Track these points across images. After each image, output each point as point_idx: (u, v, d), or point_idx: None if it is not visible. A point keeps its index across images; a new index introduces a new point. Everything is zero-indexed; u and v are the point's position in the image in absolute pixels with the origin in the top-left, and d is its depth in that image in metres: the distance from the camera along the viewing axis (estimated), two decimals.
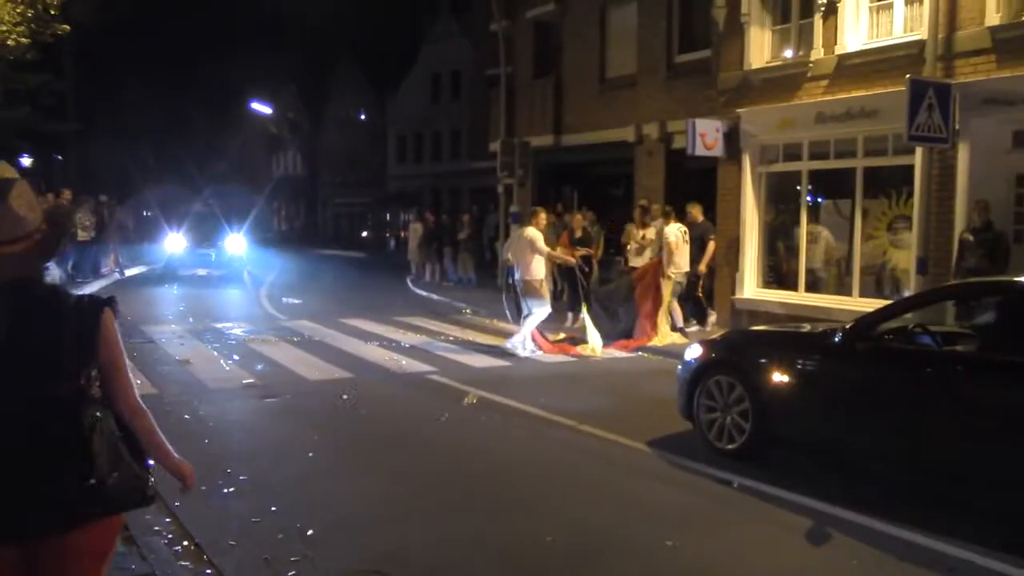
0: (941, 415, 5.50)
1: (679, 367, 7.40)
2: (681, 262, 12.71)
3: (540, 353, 11.56)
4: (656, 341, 12.23)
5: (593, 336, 11.78)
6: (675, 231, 12.71)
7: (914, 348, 6.04)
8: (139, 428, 2.79)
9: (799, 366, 6.32)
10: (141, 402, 2.83)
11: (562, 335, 12.67)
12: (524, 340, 11.59)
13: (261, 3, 52.79)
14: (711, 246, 13.44)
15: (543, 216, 12.31)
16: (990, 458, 5.23)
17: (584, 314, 12.11)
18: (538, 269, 11.53)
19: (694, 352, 7.25)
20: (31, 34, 14.91)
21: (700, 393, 6.92)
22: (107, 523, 2.72)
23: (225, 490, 5.84)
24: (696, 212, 13.69)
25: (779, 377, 6.39)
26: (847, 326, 6.21)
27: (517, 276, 11.67)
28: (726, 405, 6.72)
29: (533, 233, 11.58)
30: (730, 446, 6.66)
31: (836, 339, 6.15)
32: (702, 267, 13.36)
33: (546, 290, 11.83)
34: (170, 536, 5.03)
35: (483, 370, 10.51)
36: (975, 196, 10.52)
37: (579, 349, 11.81)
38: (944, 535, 5.11)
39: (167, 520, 5.28)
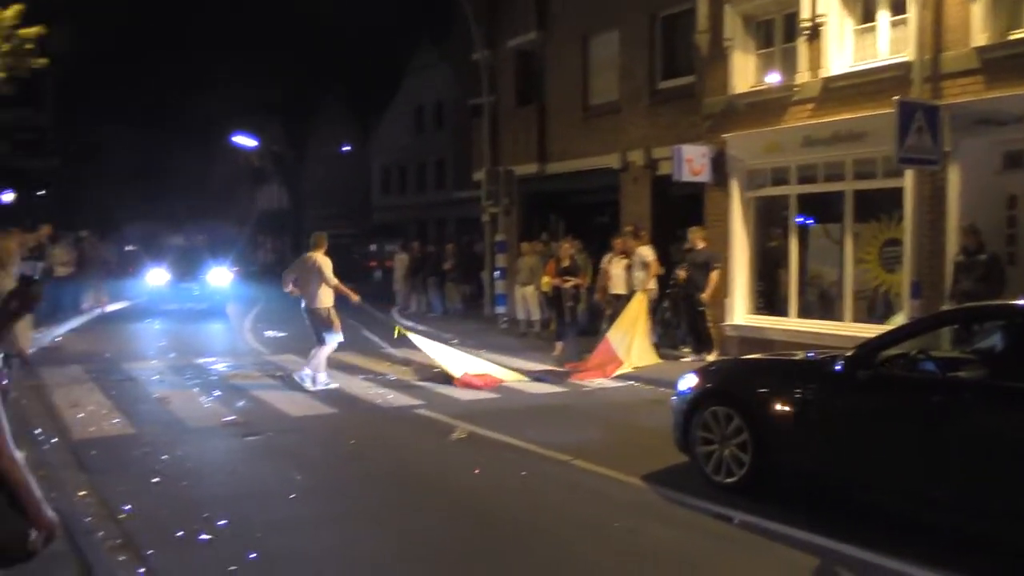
0: (949, 445, 5.28)
1: (673, 398, 7.17)
2: (653, 285, 13.26)
3: (334, 385, 10.94)
4: (635, 361, 12.20)
5: (451, 363, 11.56)
6: (651, 251, 13.25)
7: (918, 376, 5.82)
8: (11, 480, 2.68)
9: (799, 396, 6.07)
10: (14, 451, 2.72)
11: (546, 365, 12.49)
12: (315, 373, 10.93)
13: (244, 37, 52.81)
14: (715, 274, 12.97)
15: (324, 241, 11.37)
16: (1000, 489, 5.01)
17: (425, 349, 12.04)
18: (326, 297, 10.97)
19: (689, 382, 7.01)
20: (6, 68, 14.72)
21: (696, 425, 6.68)
22: None
23: (202, 536, 5.55)
24: (696, 238, 13.25)
25: (779, 407, 6.17)
26: (847, 354, 6.00)
27: (304, 305, 11.11)
28: (724, 437, 6.48)
29: (322, 260, 11.01)
30: (729, 480, 6.41)
31: (837, 367, 5.95)
32: (707, 296, 12.95)
33: (336, 318, 11.11)
34: None
35: (471, 403, 10.24)
36: (966, 218, 10.42)
37: (503, 376, 11.58)
38: (953, 571, 4.88)
39: (140, 570, 5.00)
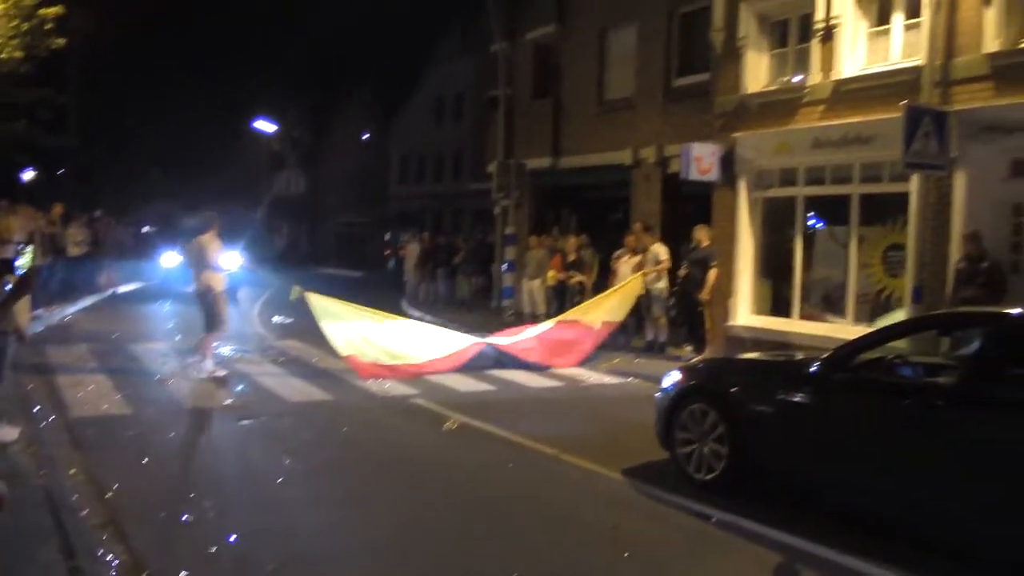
0: (918, 449, 5.31)
1: (657, 394, 7.22)
2: (663, 280, 13.43)
3: (222, 373, 10.37)
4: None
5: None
6: (665, 248, 13.31)
7: (892, 380, 5.87)
8: None
9: (777, 396, 6.13)
10: None
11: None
12: (203, 361, 10.45)
13: (269, 21, 52.99)
14: (712, 273, 12.95)
15: (215, 223, 10.74)
16: (969, 494, 5.02)
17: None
18: (213, 282, 10.46)
19: (673, 379, 7.07)
20: (26, 47, 14.89)
21: (677, 421, 6.74)
22: None
23: (185, 516, 5.63)
24: (702, 235, 13.23)
25: (756, 407, 6.24)
26: (824, 356, 6.03)
27: (192, 288, 10.67)
28: (703, 434, 6.54)
29: (208, 243, 10.49)
30: (707, 476, 6.46)
31: (813, 369, 5.99)
32: (705, 294, 12.95)
33: (224, 305, 10.59)
34: (117, 562, 4.81)
35: (467, 394, 10.30)
36: (970, 225, 10.36)
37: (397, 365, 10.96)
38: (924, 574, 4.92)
39: (121, 548, 5.07)
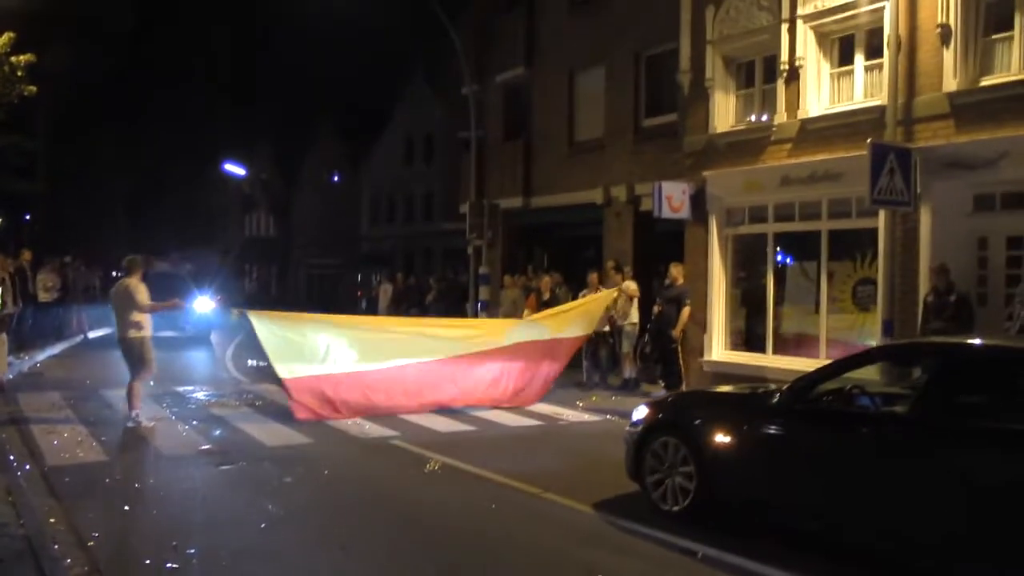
0: (874, 476, 5.49)
1: (627, 428, 7.38)
2: (634, 315, 13.53)
3: (150, 424, 10.00)
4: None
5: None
6: (636, 286, 13.50)
7: (849, 409, 6.09)
8: None
9: (740, 428, 6.34)
10: None
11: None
12: (133, 411, 10.07)
13: (236, 64, 53.24)
14: (685, 311, 13.14)
15: (138, 266, 10.45)
16: (925, 520, 5.22)
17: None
18: (138, 327, 10.15)
19: (641, 413, 7.27)
20: None
21: (646, 454, 6.92)
22: None
23: (169, 564, 5.57)
24: (676, 273, 13.43)
25: (721, 438, 6.43)
26: (784, 387, 6.30)
27: (117, 334, 10.34)
28: (671, 466, 6.71)
29: (134, 286, 10.19)
30: (675, 508, 6.63)
31: (774, 400, 6.22)
32: (677, 332, 13.12)
33: (149, 350, 10.30)
34: None
35: (447, 434, 10.30)
36: (937, 259, 10.60)
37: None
38: None
39: None
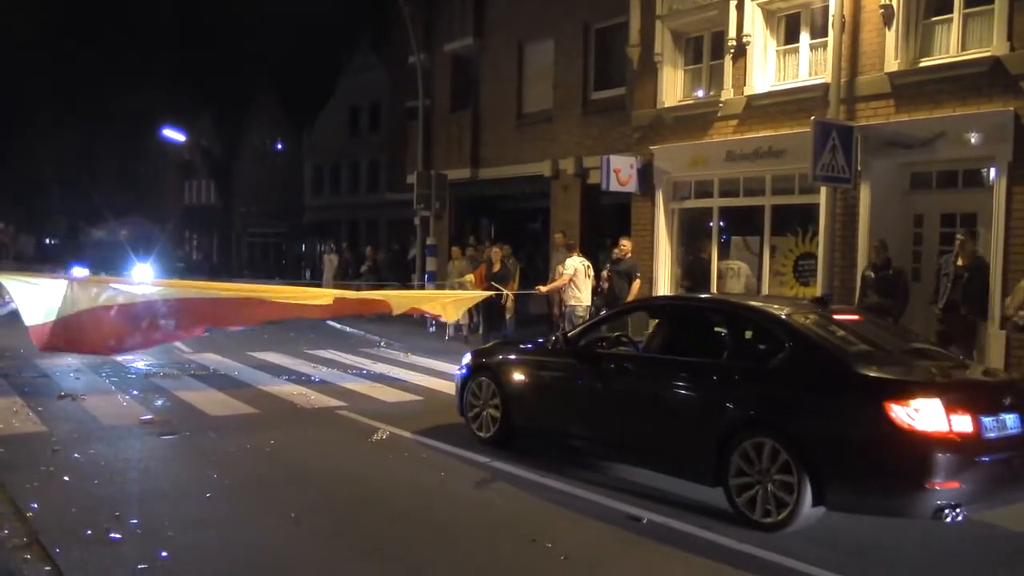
0: (611, 399, 7.05)
1: (455, 372, 8.78)
2: (583, 295, 13.01)
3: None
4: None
5: None
6: (577, 263, 13.02)
7: (604, 351, 7.45)
8: None
9: (529, 368, 7.88)
10: None
11: None
12: None
13: (177, 31, 51.85)
14: (636, 284, 13.11)
15: None
16: (643, 430, 6.69)
17: None
18: None
19: (467, 359, 8.67)
20: None
21: (467, 393, 8.32)
22: None
23: (112, 535, 5.48)
24: (626, 246, 13.35)
25: (516, 376, 7.94)
26: (558, 334, 7.92)
27: None
28: (484, 401, 8.14)
29: None
30: (486, 435, 8.11)
31: (551, 345, 7.72)
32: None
33: None
34: None
35: (395, 404, 10.28)
36: (876, 235, 10.86)
37: None
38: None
39: (47, 568, 4.93)
